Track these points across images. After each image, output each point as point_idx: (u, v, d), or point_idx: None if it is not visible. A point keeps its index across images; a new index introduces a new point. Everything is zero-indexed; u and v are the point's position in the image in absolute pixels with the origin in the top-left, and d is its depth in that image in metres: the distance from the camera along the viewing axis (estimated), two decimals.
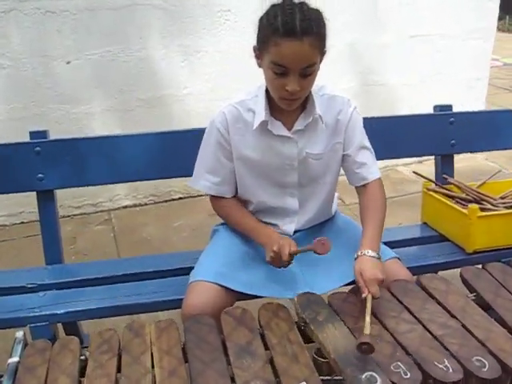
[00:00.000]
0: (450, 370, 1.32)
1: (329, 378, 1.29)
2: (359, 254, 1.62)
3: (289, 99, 1.63)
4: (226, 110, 1.76)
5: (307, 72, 1.57)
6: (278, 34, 1.52)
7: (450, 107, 2.39)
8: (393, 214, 2.95)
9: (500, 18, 11.18)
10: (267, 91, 1.71)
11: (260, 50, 1.62)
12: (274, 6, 1.59)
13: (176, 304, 1.78)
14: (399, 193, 3.63)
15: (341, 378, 1.28)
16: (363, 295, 1.49)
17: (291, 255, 1.64)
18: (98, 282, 1.98)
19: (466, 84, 4.39)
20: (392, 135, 2.25)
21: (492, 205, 2.15)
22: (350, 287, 1.71)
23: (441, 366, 1.34)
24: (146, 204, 3.90)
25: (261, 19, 1.61)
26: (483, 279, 1.73)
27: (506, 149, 2.49)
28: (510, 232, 2.06)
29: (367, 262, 1.58)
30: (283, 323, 1.46)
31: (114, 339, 1.40)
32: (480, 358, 1.38)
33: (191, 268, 1.95)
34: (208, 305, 1.62)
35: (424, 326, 1.48)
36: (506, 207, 2.15)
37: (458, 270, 2.09)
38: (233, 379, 1.26)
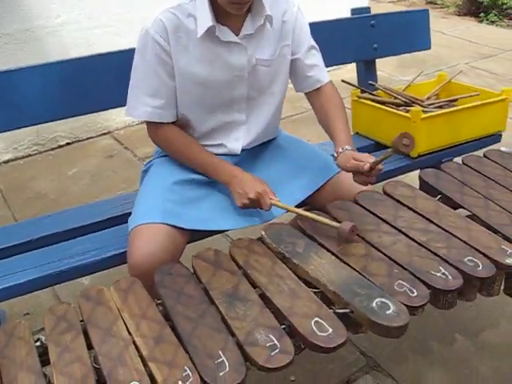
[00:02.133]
0: (450, 277, 1.25)
1: (339, 310, 1.15)
2: (339, 150, 1.52)
3: (239, 2, 1.43)
4: (163, 16, 1.49)
5: None
6: None
7: (367, 9, 2.26)
8: (300, 131, 2.85)
9: None
10: None
11: None
12: None
13: (120, 259, 1.54)
14: (298, 110, 3.53)
15: (349, 310, 1.15)
16: (366, 166, 1.39)
17: (271, 205, 1.48)
18: (10, 251, 1.65)
19: None
20: None
21: (423, 106, 2.09)
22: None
23: (438, 274, 1.26)
24: (29, 155, 3.44)
25: None
26: (444, 180, 1.66)
27: (424, 49, 2.42)
28: (450, 131, 2.02)
29: (352, 153, 1.48)
30: (264, 258, 1.29)
31: (71, 313, 1.15)
32: (471, 258, 1.32)
33: (124, 215, 1.72)
34: (159, 251, 1.40)
35: (406, 234, 1.39)
36: (437, 107, 2.11)
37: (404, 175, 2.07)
38: (232, 333, 1.08)
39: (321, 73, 1.70)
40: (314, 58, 1.69)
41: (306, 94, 1.73)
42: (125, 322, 1.12)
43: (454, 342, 1.99)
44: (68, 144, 3.53)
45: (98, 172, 3.15)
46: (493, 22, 6.27)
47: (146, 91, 1.55)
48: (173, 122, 1.61)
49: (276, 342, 1.05)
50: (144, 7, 3.33)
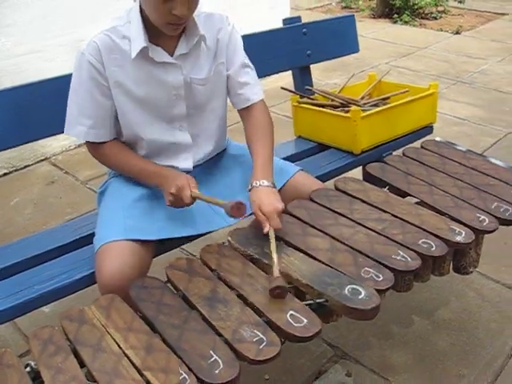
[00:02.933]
0: (409, 259, 1.36)
1: (311, 301, 1.22)
2: (254, 185, 1.52)
3: (176, 24, 1.47)
4: (97, 39, 1.52)
5: None
6: None
7: (298, 19, 2.37)
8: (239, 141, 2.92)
9: None
10: (143, 16, 1.51)
11: None
12: None
13: (89, 280, 1.55)
14: (234, 120, 3.59)
15: (323, 299, 1.23)
16: (265, 230, 1.39)
17: (193, 198, 1.50)
18: None
19: (268, 5, 4.43)
20: (248, 55, 2.13)
21: (359, 106, 2.20)
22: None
23: (398, 257, 1.36)
24: None
25: None
26: (390, 172, 1.78)
27: (353, 52, 2.56)
28: (387, 127, 2.15)
29: (264, 194, 1.48)
30: (234, 261, 1.35)
31: (57, 335, 1.17)
32: (425, 240, 1.43)
33: (87, 237, 1.73)
34: (127, 267, 1.42)
35: (363, 225, 1.49)
36: (372, 106, 2.23)
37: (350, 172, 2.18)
38: (219, 333, 1.13)
39: (251, 91, 1.71)
40: (246, 76, 1.71)
41: (238, 111, 1.75)
42: (112, 337, 1.15)
43: (412, 323, 2.11)
44: (6, 174, 3.45)
45: (41, 199, 3.10)
46: (406, 22, 6.57)
47: (83, 112, 1.57)
48: (115, 139, 1.64)
49: (262, 335, 1.11)
50: (74, 30, 3.32)
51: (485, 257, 2.33)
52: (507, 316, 2.13)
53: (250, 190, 1.52)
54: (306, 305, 1.21)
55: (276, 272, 1.26)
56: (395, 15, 6.70)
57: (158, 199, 1.62)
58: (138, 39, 1.51)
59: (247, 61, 1.73)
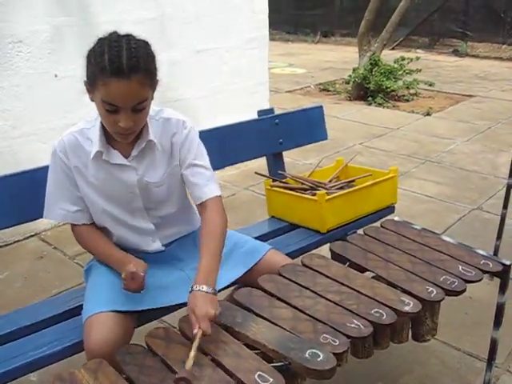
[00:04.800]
0: (362, 327, 1.55)
1: (277, 364, 1.40)
2: (194, 288, 1.55)
3: (124, 134, 1.64)
4: (66, 138, 1.76)
5: (139, 107, 1.58)
6: (106, 74, 1.51)
7: (271, 110, 2.65)
8: None
9: None
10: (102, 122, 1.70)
11: (91, 86, 1.60)
12: (100, 40, 1.58)
13: (79, 347, 1.72)
14: None
15: (287, 362, 1.41)
16: (194, 331, 1.44)
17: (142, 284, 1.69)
18: None
19: (250, 90, 4.77)
20: (224, 144, 2.37)
21: (326, 189, 2.44)
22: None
23: (353, 325, 1.55)
24: None
25: (88, 55, 1.59)
26: (351, 249, 1.99)
27: (322, 139, 2.83)
28: (351, 208, 2.38)
29: (200, 298, 1.51)
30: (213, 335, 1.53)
31: None
32: (377, 309, 1.63)
33: (75, 309, 1.90)
34: (112, 335, 1.60)
35: (324, 297, 1.69)
36: (338, 189, 2.47)
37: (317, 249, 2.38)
38: None
39: (201, 190, 1.78)
40: (197, 177, 1.79)
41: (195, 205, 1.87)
42: None
43: None
44: None
45: (30, 274, 3.26)
46: (380, 105, 6.99)
47: (60, 198, 1.80)
48: (92, 224, 1.85)
49: None
50: (65, 115, 3.60)
51: (447, 326, 2.55)
52: (467, 381, 2.30)
53: (190, 293, 1.56)
54: (273, 366, 1.39)
55: (188, 365, 1.33)
56: (370, 98, 7.13)
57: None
58: (96, 143, 1.72)
59: (200, 161, 1.81)
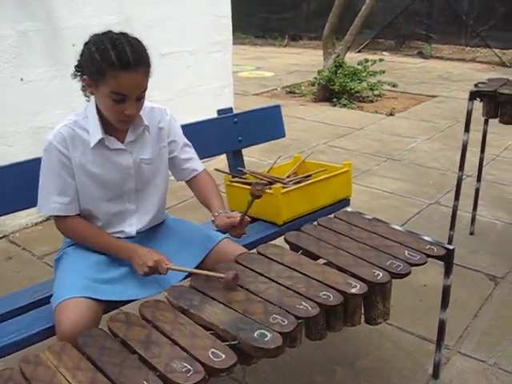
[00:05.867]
0: (309, 308, 1.66)
1: (228, 343, 1.51)
2: (215, 214, 1.99)
3: (127, 121, 1.85)
4: (63, 129, 1.89)
5: (141, 96, 1.83)
6: (115, 68, 1.72)
7: (230, 110, 2.76)
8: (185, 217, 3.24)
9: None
10: (99, 112, 1.88)
11: (95, 81, 1.78)
12: (97, 39, 1.77)
13: (48, 333, 1.81)
14: (181, 199, 3.94)
15: (236, 341, 1.51)
16: (238, 219, 1.90)
17: (168, 270, 1.84)
18: None
19: (215, 92, 4.88)
20: None
21: (284, 183, 2.56)
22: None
23: (301, 307, 1.66)
24: None
25: (90, 53, 1.76)
26: (304, 238, 2.11)
27: (280, 137, 2.95)
28: (307, 201, 2.51)
29: (225, 215, 1.96)
30: (168, 313, 1.63)
31: (16, 375, 1.41)
32: (325, 292, 1.74)
33: (41, 300, 1.99)
34: (83, 320, 1.70)
35: (276, 282, 1.80)
36: (295, 183, 2.59)
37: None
38: (153, 368, 1.40)
39: (195, 164, 2.16)
40: (188, 154, 2.15)
41: (186, 182, 2.17)
42: (63, 375, 1.40)
43: (335, 372, 2.38)
44: None
45: None
46: (344, 105, 7.16)
47: (54, 191, 1.91)
48: (78, 215, 1.97)
49: (189, 366, 1.39)
50: (32, 118, 3.66)
51: (402, 312, 2.69)
52: (419, 363, 2.43)
53: (214, 220, 1.98)
54: (226, 345, 1.50)
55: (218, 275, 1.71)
56: (334, 99, 7.29)
57: (109, 265, 1.94)
58: (96, 131, 1.89)
59: (186, 141, 2.16)
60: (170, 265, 1.85)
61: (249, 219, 1.93)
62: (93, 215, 2.00)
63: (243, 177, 2.66)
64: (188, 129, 2.23)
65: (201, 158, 2.21)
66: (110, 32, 1.80)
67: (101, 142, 1.90)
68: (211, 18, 4.74)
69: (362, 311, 1.92)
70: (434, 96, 7.89)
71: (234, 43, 5.28)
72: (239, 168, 2.72)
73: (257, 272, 1.86)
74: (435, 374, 2.32)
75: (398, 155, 5.26)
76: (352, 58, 8.48)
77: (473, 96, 3.08)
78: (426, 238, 2.16)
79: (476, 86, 3.15)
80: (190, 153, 2.16)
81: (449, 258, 2.11)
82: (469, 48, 12.05)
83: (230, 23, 4.93)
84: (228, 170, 2.80)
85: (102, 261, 1.95)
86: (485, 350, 2.52)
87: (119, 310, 1.78)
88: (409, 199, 4.21)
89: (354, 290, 1.77)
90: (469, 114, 3.10)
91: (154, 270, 1.84)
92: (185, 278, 2.00)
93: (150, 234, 2.12)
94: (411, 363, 2.44)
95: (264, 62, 11.15)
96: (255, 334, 1.52)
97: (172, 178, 2.19)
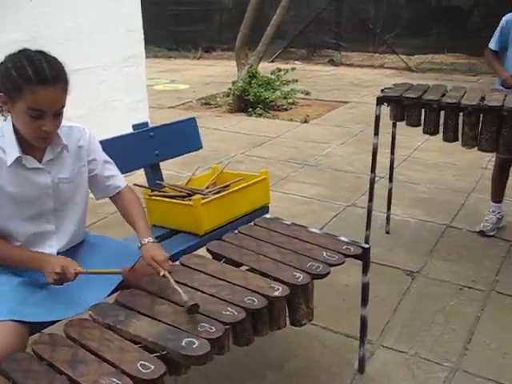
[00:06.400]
0: (236, 313, 1.71)
1: (157, 354, 1.52)
2: (143, 242, 1.96)
3: (45, 138, 1.83)
4: None
5: (59, 112, 1.83)
6: (32, 83, 1.72)
7: (146, 124, 2.77)
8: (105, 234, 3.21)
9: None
10: (15, 131, 1.86)
11: (12, 98, 1.76)
12: (13, 57, 1.77)
13: None
14: (100, 216, 3.88)
15: (165, 352, 1.53)
16: (161, 274, 1.83)
17: (76, 274, 1.82)
18: None
19: (130, 107, 4.85)
20: None
21: (203, 194, 2.60)
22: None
23: (228, 313, 1.71)
24: None
25: (7, 69, 1.75)
26: (226, 247, 2.16)
27: (197, 149, 2.99)
28: (226, 211, 2.55)
29: (153, 247, 1.94)
30: (93, 330, 1.63)
31: None
32: (249, 297, 1.80)
33: None
34: (8, 344, 1.67)
35: (201, 290, 1.84)
36: (214, 193, 2.63)
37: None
38: None
39: (118, 181, 2.16)
40: (110, 171, 2.15)
41: (110, 198, 2.16)
42: None
43: (265, 377, 2.43)
44: None
45: None
46: (260, 115, 7.28)
47: None
48: None
49: (118, 381, 1.40)
50: None
51: (327, 312, 2.78)
52: (345, 359, 2.52)
53: (140, 247, 1.96)
54: (155, 356, 1.51)
55: (185, 297, 1.68)
56: (250, 109, 7.40)
57: (33, 286, 1.91)
58: (12, 150, 1.86)
59: (107, 158, 2.16)
60: (78, 269, 1.85)
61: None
62: (11, 235, 1.96)
63: (162, 190, 2.67)
64: (103, 145, 2.22)
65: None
66: (26, 50, 1.80)
67: (18, 160, 1.87)
68: (123, 33, 4.73)
69: (287, 314, 1.99)
70: (345, 102, 8.17)
71: (147, 56, 5.29)
72: (158, 182, 2.73)
73: (181, 283, 1.88)
74: (361, 369, 2.42)
75: (314, 161, 5.42)
76: (265, 68, 8.64)
77: (380, 101, 3.24)
78: (343, 239, 2.26)
79: (383, 91, 3.31)
80: (112, 170, 2.16)
81: (365, 257, 2.22)
82: (377, 55, 12.54)
83: (142, 37, 4.93)
84: (147, 185, 2.80)
85: (26, 282, 1.92)
86: (405, 341, 2.64)
87: (42, 333, 1.76)
88: (326, 203, 4.34)
89: (276, 293, 1.83)
90: (377, 118, 3.25)
91: (63, 276, 1.83)
92: (109, 295, 1.99)
93: (71, 254, 2.09)
94: (338, 360, 2.52)
95: (178, 74, 11.15)
96: (183, 343, 1.54)
97: (91, 195, 2.18)
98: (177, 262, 2.06)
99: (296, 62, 12.48)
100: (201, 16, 14.06)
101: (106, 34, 4.57)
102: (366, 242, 3.36)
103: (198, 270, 1.97)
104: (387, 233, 3.80)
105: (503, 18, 3.49)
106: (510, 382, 2.38)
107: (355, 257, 2.19)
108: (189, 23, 14.06)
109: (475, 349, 2.59)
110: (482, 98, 3.06)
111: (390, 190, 3.82)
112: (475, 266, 3.33)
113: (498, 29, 3.50)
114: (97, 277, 2.00)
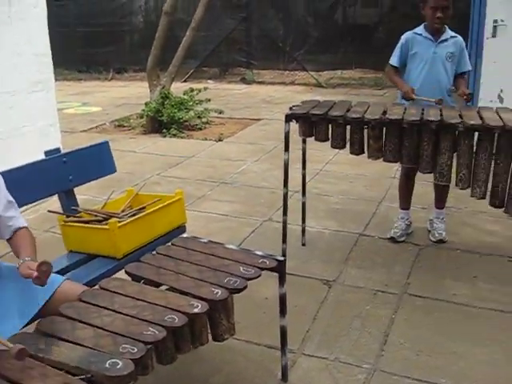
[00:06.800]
0: (156, 332, 1.74)
1: (83, 377, 1.53)
2: (21, 262, 1.94)
3: None
4: None
5: None
6: None
7: (58, 150, 2.75)
8: None
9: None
10: None
11: None
12: None
13: None
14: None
15: (90, 375, 1.55)
16: (34, 275, 1.82)
17: None
18: None
19: (41, 133, 4.76)
20: (10, 188, 2.37)
21: (119, 218, 2.61)
22: None
23: (149, 332, 1.74)
24: None
25: None
26: (144, 268, 2.19)
27: (111, 173, 3.00)
28: (144, 232, 2.58)
29: (30, 262, 1.92)
30: (14, 360, 1.61)
31: None
32: (170, 316, 1.84)
33: None
34: None
35: (121, 313, 1.86)
36: (130, 216, 2.65)
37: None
38: None
39: (17, 222, 2.13)
40: (11, 211, 2.12)
41: (7, 240, 2.13)
42: None
43: None
44: None
45: None
46: (174, 135, 7.30)
47: None
48: None
49: None
50: None
51: (248, 326, 2.84)
52: (269, 370, 2.59)
53: (19, 267, 1.91)
54: (79, 379, 1.52)
55: (8, 344, 1.57)
56: (164, 130, 7.41)
57: None
58: None
59: (10, 197, 2.13)
60: None
61: (45, 269, 1.85)
62: None
63: (77, 216, 2.66)
64: (14, 173, 2.21)
65: (31, 202, 2.20)
66: None
67: None
68: (31, 58, 4.65)
69: (209, 330, 2.04)
70: (258, 119, 8.34)
71: (57, 80, 5.21)
72: (73, 207, 2.72)
73: (101, 306, 1.89)
74: (284, 377, 2.51)
75: (229, 179, 5.50)
76: (178, 88, 8.68)
77: (288, 118, 3.37)
78: (259, 253, 2.34)
79: (291, 109, 3.45)
80: (12, 210, 2.13)
81: (281, 269, 2.31)
82: (288, 72, 12.89)
83: (51, 61, 4.87)
84: (62, 211, 2.77)
85: None
86: (325, 348, 2.75)
87: None
88: (243, 219, 4.42)
89: (196, 310, 1.88)
90: (286, 135, 3.39)
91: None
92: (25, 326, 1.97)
93: None
94: (261, 372, 2.59)
95: (90, 96, 10.99)
96: (107, 364, 1.57)
97: None
98: (96, 286, 2.07)
99: (209, 80, 12.61)
100: (111, 37, 13.91)
101: (12, 59, 4.48)
102: (283, 254, 3.46)
103: (117, 293, 1.98)
104: (303, 245, 3.93)
105: (402, 37, 3.74)
106: (424, 377, 2.54)
107: (271, 269, 2.28)
108: (99, 44, 13.88)
109: (391, 349, 2.73)
110: (384, 112, 3.26)
111: (303, 204, 3.96)
112: (388, 271, 3.51)
113: (398, 46, 3.74)
114: (18, 304, 1.98)
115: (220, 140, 7.05)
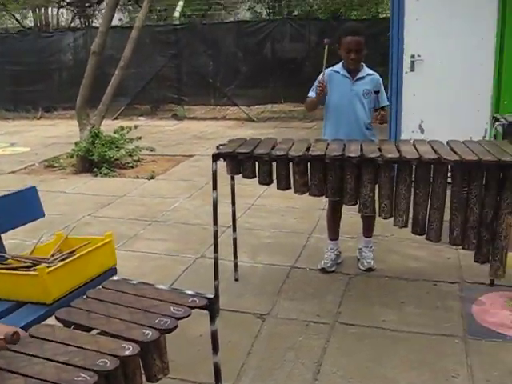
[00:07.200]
0: (88, 378, 1.76)
1: None
2: None
3: None
4: None
5: None
6: None
7: None
8: None
9: None
10: None
11: None
12: None
13: None
14: None
15: None
16: None
17: None
18: None
19: None
20: None
21: (48, 263, 2.61)
22: None
23: (80, 378, 1.75)
24: None
25: None
26: (75, 313, 2.19)
27: (40, 217, 2.99)
28: (74, 276, 2.58)
29: None
30: None
31: None
32: (101, 359, 1.85)
33: None
34: None
35: (52, 360, 1.86)
36: (60, 261, 2.65)
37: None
38: None
39: None
40: None
41: None
42: None
43: None
44: None
45: None
46: (106, 174, 7.26)
47: None
48: None
49: None
50: None
51: (184, 365, 2.88)
52: None
53: None
54: None
55: None
56: (95, 169, 7.36)
57: None
58: None
59: None
60: None
61: None
62: None
63: (5, 262, 2.64)
64: None
65: None
66: None
67: None
68: None
69: (143, 371, 2.06)
70: (190, 155, 8.42)
71: None
72: (0, 254, 2.69)
73: (30, 355, 1.89)
74: None
75: (162, 217, 5.52)
76: (109, 126, 8.68)
77: (216, 158, 3.46)
78: (189, 292, 2.39)
79: (218, 148, 3.55)
80: None
81: (211, 306, 2.36)
82: (219, 107, 13.12)
83: None
84: None
85: None
86: (260, 382, 2.81)
87: None
88: (176, 257, 4.45)
89: (127, 352, 1.91)
90: (214, 174, 3.47)
91: None
92: None
93: None
94: None
95: (18, 136, 10.78)
96: None
97: None
98: (26, 334, 2.06)
99: (140, 117, 12.64)
100: (40, 75, 13.72)
101: None
102: (216, 291, 3.52)
103: (48, 340, 1.98)
104: (236, 280, 3.99)
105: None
106: None
107: (202, 308, 2.33)
108: (27, 83, 13.67)
109: (324, 378, 2.82)
110: (308, 148, 3.40)
111: (234, 240, 4.03)
112: (319, 302, 3.62)
113: (317, 80, 3.91)
114: None
115: (152, 178, 7.07)
